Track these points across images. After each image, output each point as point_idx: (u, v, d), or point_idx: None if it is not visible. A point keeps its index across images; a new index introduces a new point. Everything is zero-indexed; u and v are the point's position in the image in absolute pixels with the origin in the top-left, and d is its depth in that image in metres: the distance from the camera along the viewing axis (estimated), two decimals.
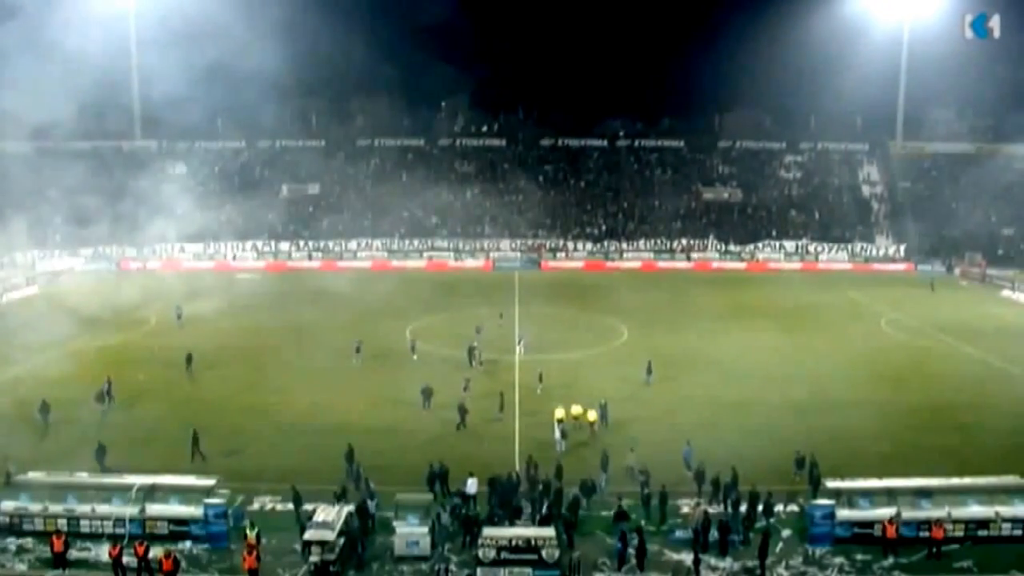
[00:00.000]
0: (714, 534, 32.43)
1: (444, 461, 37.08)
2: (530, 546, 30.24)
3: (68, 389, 47.72)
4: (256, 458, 40.80)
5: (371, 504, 34.04)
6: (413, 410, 48.08)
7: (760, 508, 34.12)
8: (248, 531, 31.48)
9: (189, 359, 55.67)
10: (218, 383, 53.57)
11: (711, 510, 33.75)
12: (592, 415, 44.33)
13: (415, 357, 58.44)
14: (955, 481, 35.35)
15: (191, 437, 40.12)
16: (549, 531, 31.24)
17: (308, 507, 33.34)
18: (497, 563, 30.10)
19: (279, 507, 35.65)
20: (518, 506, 34.42)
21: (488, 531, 31.10)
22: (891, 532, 32.14)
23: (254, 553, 29.92)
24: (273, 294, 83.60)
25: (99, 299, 73.21)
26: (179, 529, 33.23)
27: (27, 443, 41.41)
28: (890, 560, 31.70)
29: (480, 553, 30.28)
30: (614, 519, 33.65)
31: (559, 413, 43.49)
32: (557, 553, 30.24)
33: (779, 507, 34.96)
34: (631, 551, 31.36)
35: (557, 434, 42.12)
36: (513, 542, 30.35)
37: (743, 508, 34.29)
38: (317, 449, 40.65)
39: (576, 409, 44.53)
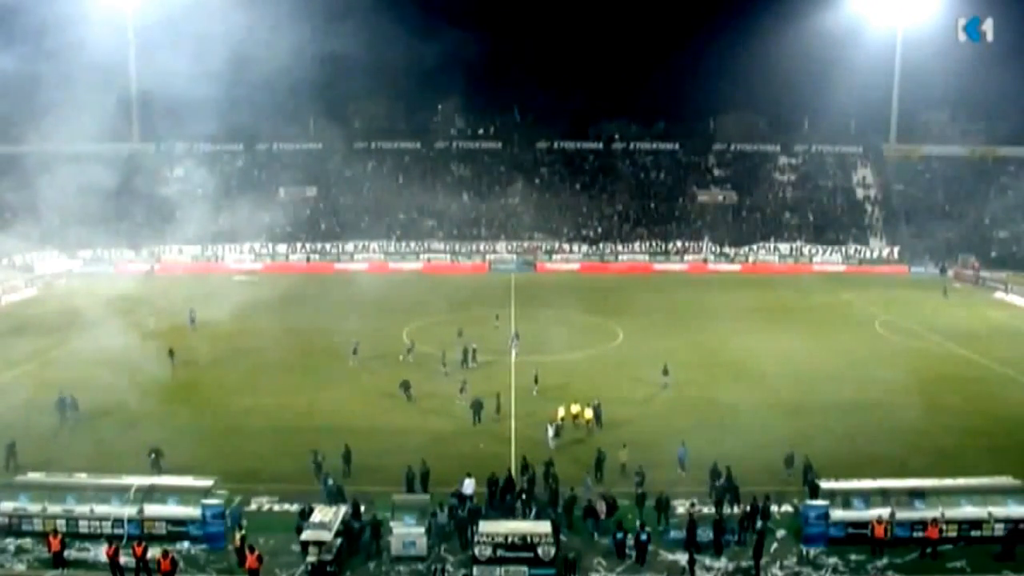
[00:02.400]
0: (709, 534, 32.73)
1: (426, 461, 37.29)
2: (526, 543, 30.40)
3: (65, 391, 47.64)
4: (254, 459, 40.89)
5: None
6: (409, 411, 48.43)
7: (759, 509, 34.27)
8: (236, 533, 31.82)
9: (171, 354, 56.37)
10: (216, 384, 53.66)
11: (706, 510, 34.07)
12: (588, 414, 44.98)
13: (401, 358, 58.64)
14: (948, 482, 35.57)
15: (149, 454, 39.17)
16: (545, 527, 31.38)
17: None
18: (493, 561, 30.27)
19: (276, 507, 35.92)
20: (511, 505, 34.74)
21: (484, 527, 31.20)
22: (879, 532, 32.42)
23: (255, 553, 30.12)
24: (270, 296, 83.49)
25: (98, 301, 73.21)
26: (177, 529, 33.39)
27: (28, 443, 41.71)
28: (884, 560, 31.94)
29: (476, 551, 30.46)
30: (584, 515, 34.15)
31: (560, 412, 44.44)
32: (553, 551, 30.42)
33: (773, 507, 35.13)
34: (629, 546, 31.94)
35: (550, 432, 42.65)
36: (509, 539, 30.48)
37: (736, 509, 34.58)
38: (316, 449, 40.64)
39: (575, 408, 45.24)
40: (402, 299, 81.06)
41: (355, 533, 32.42)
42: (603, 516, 33.89)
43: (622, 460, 39.10)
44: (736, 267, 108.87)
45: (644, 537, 31.84)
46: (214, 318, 69.33)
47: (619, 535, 32.11)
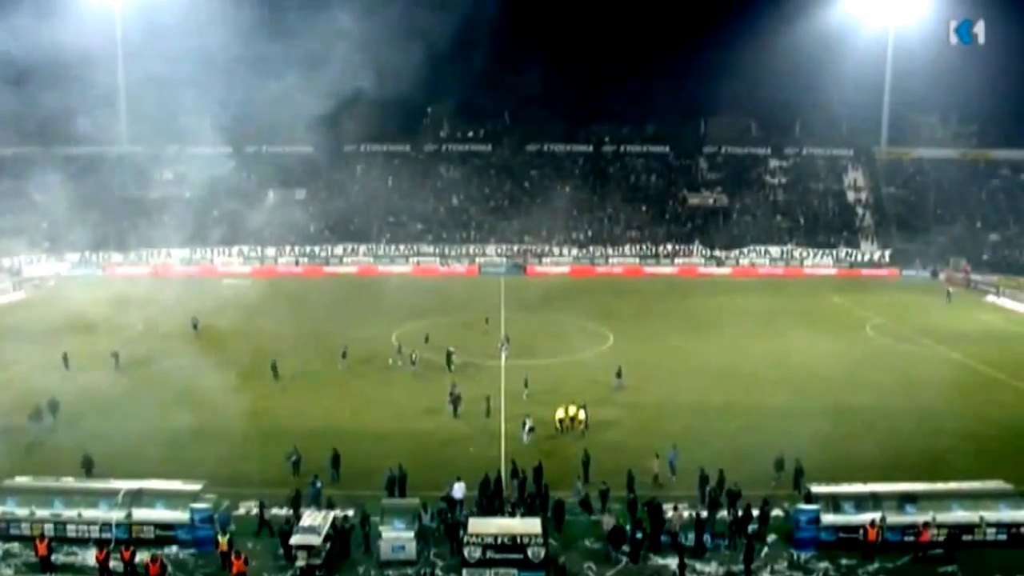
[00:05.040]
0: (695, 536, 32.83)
1: (403, 466, 37.15)
2: (516, 544, 30.20)
3: (54, 395, 47.31)
4: (242, 462, 40.65)
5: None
6: (398, 414, 48.29)
7: (756, 513, 34.08)
8: (219, 537, 31.61)
9: (116, 356, 56.61)
10: (208, 387, 52.96)
11: (693, 513, 34.06)
12: (582, 415, 45.22)
13: (390, 361, 58.70)
14: (940, 486, 35.53)
15: (83, 462, 38.39)
16: (535, 526, 31.20)
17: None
18: (483, 563, 30.09)
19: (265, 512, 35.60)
20: (499, 509, 34.68)
21: (473, 526, 30.99)
22: (872, 536, 32.31)
23: (242, 558, 29.91)
24: (259, 300, 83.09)
25: (86, 305, 72.85)
26: (165, 534, 33.16)
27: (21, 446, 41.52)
28: (875, 565, 31.85)
29: (466, 552, 30.26)
30: (579, 505, 34.67)
31: (560, 414, 45.03)
32: (543, 552, 30.22)
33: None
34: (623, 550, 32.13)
35: (526, 426, 43.74)
36: (499, 540, 30.27)
37: (725, 513, 34.51)
38: (303, 454, 40.31)
39: (571, 410, 45.43)
40: (391, 302, 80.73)
41: (346, 534, 32.20)
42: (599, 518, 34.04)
43: (655, 471, 38.72)
44: (727, 270, 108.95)
45: (640, 535, 31.99)
46: (211, 323, 69.00)
47: (639, 535, 32.18)
